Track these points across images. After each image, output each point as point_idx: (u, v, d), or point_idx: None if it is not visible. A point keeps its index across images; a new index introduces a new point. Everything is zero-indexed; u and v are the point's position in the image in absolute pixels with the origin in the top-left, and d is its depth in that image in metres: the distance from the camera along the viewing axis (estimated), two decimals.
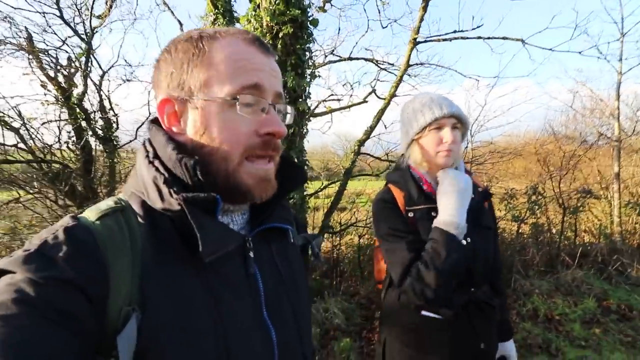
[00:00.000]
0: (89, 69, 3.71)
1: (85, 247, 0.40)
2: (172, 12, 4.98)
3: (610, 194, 5.47)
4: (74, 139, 4.17)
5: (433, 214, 1.06)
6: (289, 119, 0.57)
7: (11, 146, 3.62)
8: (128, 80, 4.24)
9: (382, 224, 1.10)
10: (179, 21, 4.90)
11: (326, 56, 5.65)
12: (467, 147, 4.99)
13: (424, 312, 1.04)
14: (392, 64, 5.31)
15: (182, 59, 0.48)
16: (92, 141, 4.14)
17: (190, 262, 0.45)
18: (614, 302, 3.56)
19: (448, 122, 1.04)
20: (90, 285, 0.38)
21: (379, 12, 4.38)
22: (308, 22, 3.03)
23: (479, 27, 3.41)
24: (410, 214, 1.07)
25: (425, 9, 3.40)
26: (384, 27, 4.74)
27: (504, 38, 3.51)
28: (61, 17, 3.77)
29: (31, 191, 4.01)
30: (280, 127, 0.50)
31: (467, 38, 3.43)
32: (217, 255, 0.44)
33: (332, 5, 4.23)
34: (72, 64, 4.19)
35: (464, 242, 1.03)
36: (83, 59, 3.79)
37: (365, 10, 8.76)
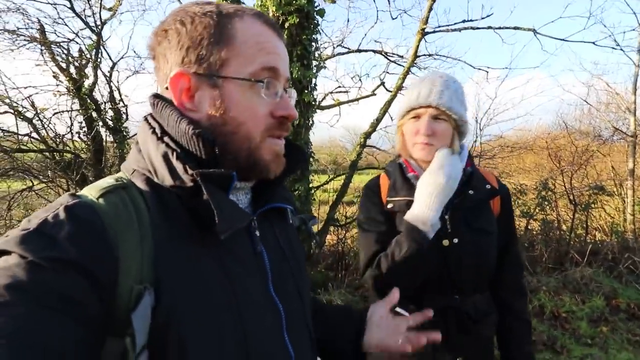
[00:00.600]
0: (99, 60, 3.74)
1: (89, 225, 0.38)
2: (180, 2, 4.99)
3: (623, 191, 5.33)
4: (85, 129, 4.26)
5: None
6: (293, 103, 0.59)
7: (24, 135, 3.71)
8: (137, 72, 4.29)
9: (361, 212, 1.08)
10: None
11: (334, 48, 5.60)
12: (476, 141, 4.92)
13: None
14: (402, 56, 5.25)
15: (202, 34, 0.47)
16: (103, 132, 4.22)
17: (201, 240, 0.44)
18: (624, 300, 3.49)
19: (426, 112, 0.94)
20: (96, 266, 0.36)
21: (389, 3, 4.32)
22: (314, 12, 3.00)
23: (489, 16, 3.33)
24: (390, 205, 1.01)
25: None
26: (393, 19, 4.68)
27: (515, 28, 3.42)
28: (72, 8, 3.82)
29: (44, 180, 4.12)
30: (292, 110, 0.52)
31: (477, 28, 3.34)
32: (231, 232, 0.44)
33: None
34: (83, 56, 4.25)
35: (446, 242, 0.95)
36: (93, 50, 3.83)
37: (374, 1, 8.60)
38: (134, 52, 5.08)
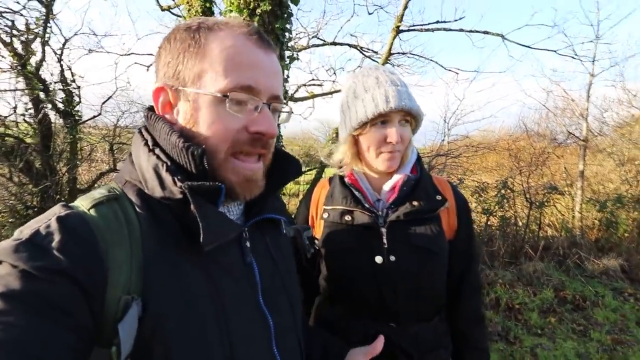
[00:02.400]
0: (47, 35, 3.38)
1: (80, 236, 0.38)
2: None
3: (574, 191, 5.75)
4: (31, 111, 3.87)
5: (347, 217, 0.87)
6: (284, 117, 0.57)
7: None
8: (93, 51, 3.94)
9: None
10: None
11: (310, 39, 5.49)
12: (443, 140, 5.06)
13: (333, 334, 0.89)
14: (376, 52, 5.25)
15: (179, 49, 0.49)
16: (52, 115, 3.85)
17: (190, 251, 0.45)
18: (570, 292, 3.77)
19: (396, 116, 0.83)
20: (86, 276, 0.37)
21: None
22: (288, 1, 2.89)
23: (461, 19, 3.41)
24: (325, 214, 0.91)
25: None
26: (370, 14, 4.66)
27: (485, 32, 3.52)
28: None
29: None
30: (270, 127, 0.49)
31: (450, 30, 3.40)
32: (217, 244, 0.44)
33: None
34: (31, 30, 3.83)
35: (379, 259, 0.83)
36: (41, 23, 3.45)
37: None
38: (90, 29, 4.66)
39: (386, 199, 0.88)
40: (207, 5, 3.70)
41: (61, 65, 3.72)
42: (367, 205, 0.88)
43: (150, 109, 0.53)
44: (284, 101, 0.54)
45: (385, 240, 0.84)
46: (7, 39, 3.72)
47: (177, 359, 0.41)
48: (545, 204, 5.12)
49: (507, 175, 5.30)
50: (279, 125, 0.58)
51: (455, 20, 3.27)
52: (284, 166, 0.58)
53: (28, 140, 3.68)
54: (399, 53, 3.64)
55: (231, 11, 2.74)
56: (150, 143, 0.48)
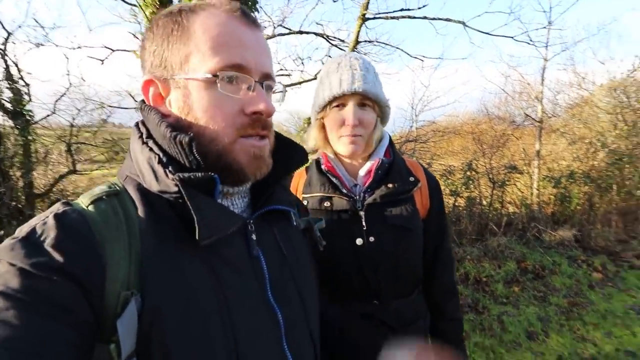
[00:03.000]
0: None
1: (77, 232, 0.38)
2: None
3: (531, 170, 6.15)
4: None
5: (326, 204, 0.90)
6: (278, 96, 0.56)
7: None
8: (40, 45, 3.64)
9: None
10: None
11: (275, 27, 5.39)
12: (412, 126, 5.22)
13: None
14: (343, 41, 5.24)
15: (162, 35, 0.47)
16: None
17: (191, 245, 0.43)
18: (530, 263, 4.08)
19: (351, 99, 0.84)
20: (83, 272, 0.36)
21: None
22: None
23: (424, 6, 3.49)
24: (305, 202, 0.93)
25: None
26: (334, 1, 4.63)
27: (447, 20, 3.65)
28: None
29: None
30: (267, 105, 0.47)
31: (414, 17, 3.50)
32: (215, 238, 0.43)
33: None
34: None
35: (359, 241, 0.87)
36: None
37: None
38: (35, 20, 4.28)
39: (362, 183, 0.91)
40: None
41: (6, 62, 3.41)
42: (344, 191, 0.91)
43: (143, 101, 0.51)
44: (275, 80, 0.52)
45: (364, 223, 0.87)
46: None
47: (178, 354, 0.40)
48: (506, 183, 5.46)
49: (472, 158, 5.58)
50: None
51: (419, 8, 3.37)
52: (288, 153, 0.56)
53: None
54: (365, 41, 3.69)
55: None
56: (144, 136, 0.47)
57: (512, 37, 4.63)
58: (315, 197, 0.91)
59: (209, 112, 0.46)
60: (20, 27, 3.54)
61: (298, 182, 1.00)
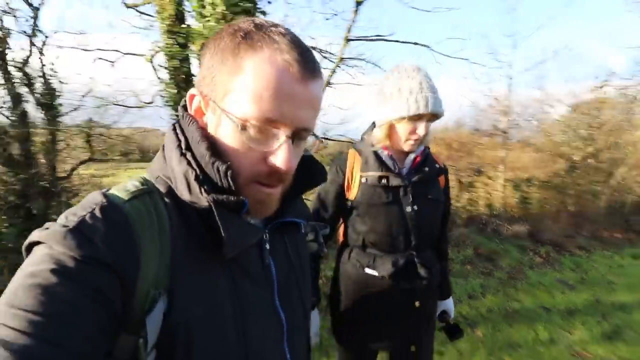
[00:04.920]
0: (36, 35, 3.68)
1: (121, 229, 0.40)
2: None
3: (497, 174, 6.94)
4: (9, 104, 4.09)
5: (383, 181, 1.13)
6: (309, 144, 0.55)
7: None
8: (74, 48, 4.24)
9: (325, 184, 1.25)
10: None
11: None
12: None
13: (367, 270, 1.16)
14: (333, 54, 5.96)
15: (220, 58, 0.46)
16: (32, 107, 4.11)
17: (214, 252, 0.45)
18: (485, 250, 4.78)
19: (426, 116, 1.05)
20: (124, 268, 0.39)
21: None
22: (258, 14, 3.49)
23: (392, 34, 4.23)
24: (363, 179, 1.15)
25: (356, 12, 4.10)
26: (327, 19, 5.33)
27: (414, 43, 4.38)
28: None
29: None
30: (288, 164, 0.46)
31: (388, 40, 4.21)
32: (238, 251, 0.46)
33: None
34: (2, 26, 4.05)
35: (408, 209, 1.11)
36: (29, 23, 3.74)
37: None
38: (72, 29, 4.87)
39: (409, 167, 1.18)
40: (180, 8, 4.13)
41: (42, 61, 3.99)
42: (396, 172, 1.16)
43: (185, 108, 0.52)
44: (312, 131, 0.50)
45: (410, 196, 1.13)
46: None
47: (197, 352, 0.43)
48: (473, 184, 6.24)
49: (443, 161, 6.35)
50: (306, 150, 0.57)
51: (390, 34, 4.11)
52: (310, 171, 0.58)
53: (11, 131, 3.93)
54: (349, 58, 4.40)
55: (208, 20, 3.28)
56: (183, 145, 0.48)
57: (467, 59, 5.42)
58: (374, 175, 1.13)
59: (231, 151, 0.47)
60: (56, 32, 4.12)
61: (354, 161, 1.21)
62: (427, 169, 1.16)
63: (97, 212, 0.40)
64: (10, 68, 3.90)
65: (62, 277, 0.35)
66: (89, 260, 0.37)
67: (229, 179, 0.45)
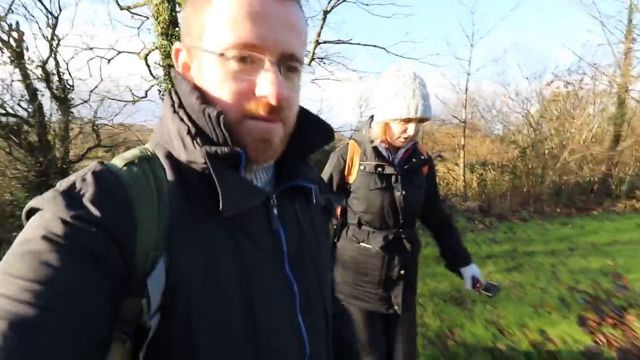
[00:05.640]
0: (54, 39, 4.37)
1: (112, 190, 0.40)
2: None
3: (458, 158, 7.87)
4: (26, 97, 4.76)
5: (379, 169, 1.29)
6: (303, 79, 0.52)
7: None
8: (84, 49, 4.94)
9: (326, 168, 1.42)
10: None
11: None
12: (359, 121, 6.72)
13: (362, 244, 1.33)
14: (307, 53, 6.74)
15: (192, 3, 0.46)
16: (48, 100, 4.80)
17: (216, 214, 0.43)
18: (487, 246, 5.66)
19: (415, 119, 1.19)
20: (117, 228, 0.38)
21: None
22: None
23: (351, 39, 5.07)
24: (362, 167, 1.31)
25: (324, 20, 4.90)
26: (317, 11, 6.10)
27: (374, 46, 5.21)
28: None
29: None
30: (276, 91, 0.42)
31: (351, 43, 5.02)
32: (238, 210, 0.44)
33: None
34: (19, 30, 4.71)
35: (398, 193, 1.28)
36: (49, 28, 4.42)
37: None
38: (85, 33, 5.56)
39: (400, 158, 1.35)
40: (174, 14, 4.83)
41: (57, 60, 4.68)
42: (391, 162, 1.33)
43: (175, 68, 0.50)
44: (302, 60, 0.47)
45: (400, 183, 1.30)
46: (5, 37, 4.59)
47: (197, 318, 0.41)
48: (435, 167, 7.16)
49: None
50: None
51: (350, 39, 4.95)
52: (314, 131, 0.55)
53: (31, 120, 4.62)
54: (319, 58, 5.21)
55: None
56: (175, 104, 0.47)
57: (417, 59, 6.34)
58: (371, 164, 1.29)
59: (217, 88, 0.44)
60: (67, 34, 4.80)
61: (354, 150, 1.36)
62: (414, 160, 1.34)
63: (89, 176, 0.40)
64: (28, 66, 4.59)
65: (53, 242, 0.34)
66: (79, 220, 0.36)
67: (222, 126, 0.43)
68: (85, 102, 5.06)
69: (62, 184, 0.39)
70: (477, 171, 7.53)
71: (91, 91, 5.05)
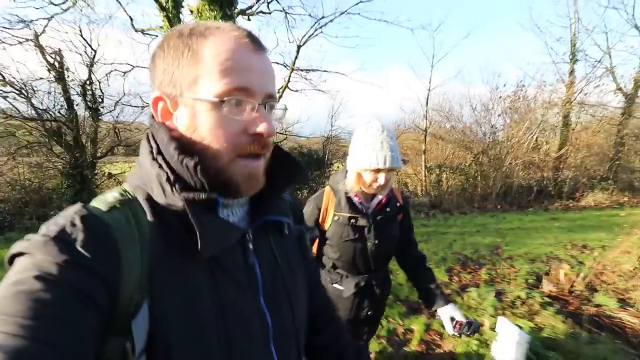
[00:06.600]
0: (92, 64, 5.78)
1: (101, 236, 0.41)
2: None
3: (419, 162, 9.25)
4: (65, 107, 6.15)
5: (352, 221, 1.33)
6: (279, 114, 0.58)
7: (28, 117, 5.56)
8: (111, 71, 6.35)
9: (304, 214, 1.33)
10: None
11: None
12: (330, 131, 8.04)
13: (335, 285, 1.41)
14: (286, 65, 8.02)
15: (173, 56, 0.49)
16: (82, 109, 6.21)
17: (195, 253, 0.45)
18: (418, 228, 7.01)
19: (384, 170, 1.23)
20: (106, 271, 0.40)
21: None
22: None
23: (310, 67, 6.34)
24: (336, 217, 1.35)
25: (297, 52, 6.27)
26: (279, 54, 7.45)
27: (335, 72, 6.61)
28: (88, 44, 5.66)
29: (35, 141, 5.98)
30: (268, 127, 0.49)
31: (318, 71, 6.40)
32: (216, 251, 0.47)
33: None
34: (61, 54, 6.10)
35: (370, 244, 1.34)
36: (86, 56, 5.83)
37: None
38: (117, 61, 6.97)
39: (374, 207, 1.38)
40: None
41: (90, 77, 6.08)
42: (364, 213, 1.38)
43: (153, 117, 0.53)
44: (276, 99, 0.53)
45: (373, 233, 1.35)
46: (51, 60, 5.97)
47: (177, 352, 0.43)
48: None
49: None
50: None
51: (318, 67, 6.31)
52: (289, 170, 0.60)
53: (69, 124, 6.01)
54: (300, 69, 6.55)
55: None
56: (154, 151, 0.50)
57: (370, 83, 7.65)
58: (346, 215, 1.35)
59: (213, 132, 0.48)
60: (98, 59, 6.20)
61: (329, 199, 1.40)
62: (388, 209, 1.38)
63: (77, 221, 0.41)
64: (69, 84, 5.98)
65: (46, 281, 0.36)
66: (71, 265, 0.38)
67: (199, 175, 0.47)
68: (111, 112, 6.46)
69: (50, 229, 0.40)
70: (434, 172, 8.92)
71: (116, 103, 6.44)
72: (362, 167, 1.25)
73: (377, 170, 1.24)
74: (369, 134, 1.26)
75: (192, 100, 0.48)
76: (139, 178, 0.51)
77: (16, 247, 0.40)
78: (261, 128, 0.49)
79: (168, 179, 0.47)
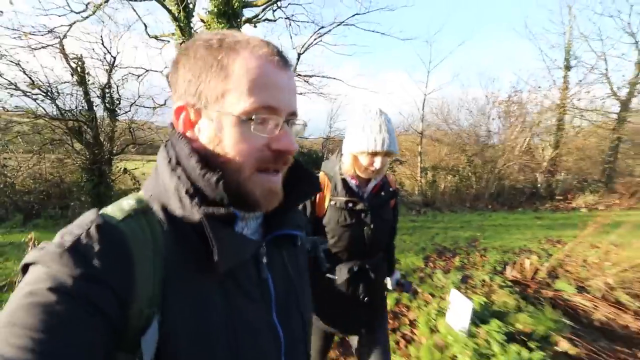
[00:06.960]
0: (111, 70, 6.38)
1: (117, 248, 0.41)
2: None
3: (416, 162, 9.69)
4: (86, 107, 6.73)
5: (350, 205, 1.31)
6: (298, 129, 0.58)
7: (53, 117, 6.18)
8: (127, 74, 6.96)
9: None
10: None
11: None
12: (330, 131, 8.54)
13: (328, 275, 1.39)
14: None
15: (201, 68, 0.48)
16: (101, 110, 6.81)
17: (209, 267, 0.45)
18: (404, 224, 7.36)
19: (382, 153, 1.21)
20: (120, 286, 0.39)
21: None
22: None
23: (311, 73, 6.80)
24: (332, 202, 1.33)
25: (298, 59, 6.78)
26: (294, 46, 7.94)
27: (334, 78, 7.08)
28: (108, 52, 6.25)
29: (58, 138, 6.60)
30: (291, 145, 0.50)
31: (317, 76, 6.87)
32: (232, 265, 0.46)
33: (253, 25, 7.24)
34: (82, 60, 6.70)
35: (366, 229, 1.31)
36: (106, 63, 6.43)
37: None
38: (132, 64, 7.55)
39: (369, 192, 1.38)
40: None
41: (109, 81, 6.68)
42: (361, 197, 1.37)
43: (173, 125, 0.53)
44: (297, 116, 0.54)
45: (369, 217, 1.34)
46: (74, 65, 6.57)
47: None
48: (395, 170, 8.98)
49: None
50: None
51: (318, 73, 6.78)
52: (304, 182, 0.60)
53: (88, 124, 6.60)
54: (299, 75, 6.99)
55: None
56: (173, 161, 0.49)
57: (366, 89, 8.07)
58: (342, 200, 1.32)
59: (237, 146, 0.48)
60: (117, 65, 6.80)
61: (324, 187, 1.38)
62: (383, 193, 1.38)
63: (93, 231, 0.40)
64: (90, 87, 6.58)
65: (60, 294, 0.36)
66: (86, 277, 0.37)
67: (221, 190, 0.46)
68: (126, 112, 7.04)
69: (65, 239, 0.40)
70: (429, 173, 9.36)
71: (131, 105, 7.03)
72: (360, 149, 1.24)
73: (374, 154, 1.23)
74: (368, 117, 1.26)
75: (218, 113, 0.48)
76: (154, 187, 0.51)
77: (30, 256, 0.40)
78: (284, 145, 0.49)
79: (187, 191, 0.46)
